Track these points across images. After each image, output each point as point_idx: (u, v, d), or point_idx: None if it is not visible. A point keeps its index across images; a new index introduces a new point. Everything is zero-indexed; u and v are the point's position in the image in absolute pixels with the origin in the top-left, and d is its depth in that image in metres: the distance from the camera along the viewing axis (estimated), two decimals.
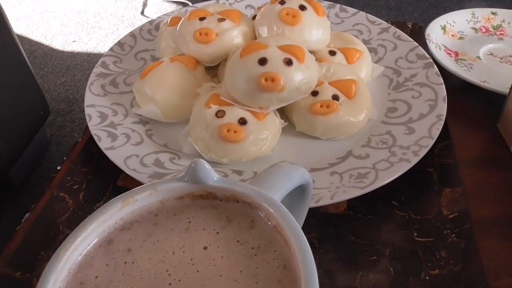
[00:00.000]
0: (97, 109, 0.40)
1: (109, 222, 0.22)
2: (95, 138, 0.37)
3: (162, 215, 0.23)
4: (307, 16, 0.40)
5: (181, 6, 1.62)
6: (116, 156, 0.35)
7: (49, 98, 1.28)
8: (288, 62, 0.35)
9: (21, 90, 1.00)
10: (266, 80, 0.35)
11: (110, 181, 0.37)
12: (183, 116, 0.39)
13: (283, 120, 0.38)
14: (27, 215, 0.35)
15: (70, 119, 1.22)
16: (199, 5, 0.51)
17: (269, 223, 0.22)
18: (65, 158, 0.40)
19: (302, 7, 0.41)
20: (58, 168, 0.39)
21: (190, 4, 1.58)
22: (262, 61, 0.35)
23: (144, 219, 0.23)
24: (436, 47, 0.52)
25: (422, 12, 1.82)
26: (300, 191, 0.28)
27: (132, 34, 0.49)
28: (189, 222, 0.22)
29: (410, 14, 1.82)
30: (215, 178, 0.22)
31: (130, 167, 0.34)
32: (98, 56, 1.45)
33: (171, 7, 1.64)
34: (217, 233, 0.22)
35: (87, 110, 0.39)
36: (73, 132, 1.19)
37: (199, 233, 0.22)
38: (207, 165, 0.22)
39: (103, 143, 0.36)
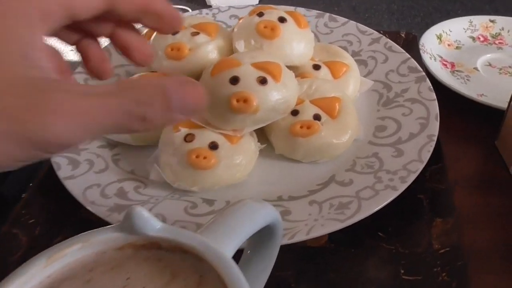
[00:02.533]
0: None
1: (32, 283, 0.19)
2: (54, 166, 0.34)
3: (97, 270, 0.20)
4: (287, 28, 0.37)
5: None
6: (75, 187, 0.32)
7: None
8: (262, 81, 0.32)
9: None
10: (238, 100, 0.32)
11: (72, 212, 0.34)
12: (153, 139, 0.36)
13: (259, 143, 0.35)
14: None
15: None
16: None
17: (219, 280, 0.19)
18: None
19: (282, 19, 0.38)
20: (23, 196, 0.36)
21: (190, 10, 1.55)
22: (234, 80, 0.32)
23: (77, 276, 0.19)
24: (431, 58, 0.49)
25: (425, 16, 1.79)
26: (269, 230, 0.24)
27: (106, 49, 0.47)
28: (128, 278, 0.19)
29: (412, 18, 1.79)
30: (158, 227, 0.19)
31: (89, 199, 0.31)
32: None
33: None
34: None
35: None
36: None
37: None
38: (145, 213, 0.19)
39: (63, 172, 0.33)
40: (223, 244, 0.20)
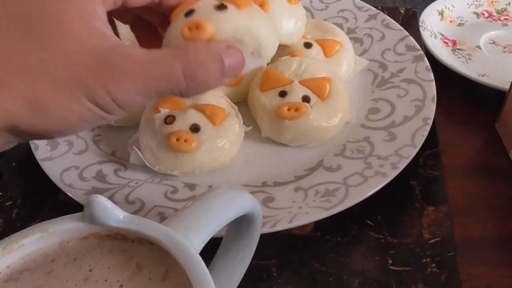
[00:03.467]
0: None
1: None
2: (32, 146, 0.33)
3: (60, 261, 0.19)
4: (276, 4, 0.35)
5: None
6: (53, 168, 0.31)
7: None
8: (220, 7, 0.25)
9: None
10: (190, 29, 0.24)
11: (51, 194, 0.33)
12: (135, 119, 0.34)
13: (245, 125, 0.33)
14: None
15: None
16: None
17: (186, 274, 0.18)
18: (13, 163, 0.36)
19: None
20: (5, 175, 0.35)
21: None
22: (189, 13, 0.25)
23: (38, 266, 0.18)
24: (431, 35, 0.46)
25: None
26: (247, 219, 0.23)
27: None
28: (90, 270, 0.18)
29: None
30: (121, 217, 0.18)
31: (65, 182, 0.30)
32: None
33: None
34: (121, 286, 0.18)
35: None
36: None
37: (99, 286, 0.18)
38: (107, 203, 0.18)
39: (40, 153, 0.32)
40: (190, 235, 0.18)
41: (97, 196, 0.17)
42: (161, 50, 0.21)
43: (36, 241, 0.18)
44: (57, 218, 0.19)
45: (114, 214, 0.18)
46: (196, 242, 0.18)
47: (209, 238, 0.19)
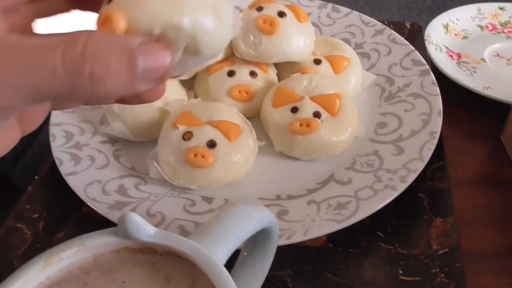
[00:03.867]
0: (63, 128, 0.37)
1: (32, 284, 0.19)
2: (57, 161, 0.34)
3: (94, 273, 0.20)
4: (286, 23, 0.37)
5: None
6: (77, 183, 0.33)
7: None
8: None
9: None
10: (102, 24, 0.17)
11: (75, 208, 0.34)
12: (154, 135, 0.36)
13: (258, 141, 0.35)
14: None
15: None
16: None
17: (212, 285, 0.19)
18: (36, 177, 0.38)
19: (281, 14, 0.37)
20: (29, 188, 0.37)
21: None
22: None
23: (74, 278, 0.20)
24: (436, 49, 0.48)
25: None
26: (265, 232, 0.25)
27: None
28: (123, 282, 0.20)
29: (423, 1, 1.74)
30: (152, 232, 0.20)
31: (89, 196, 0.32)
32: None
33: None
34: None
35: (52, 130, 0.37)
36: None
37: None
38: (139, 219, 0.19)
39: (65, 168, 0.34)
40: (215, 249, 0.20)
41: (130, 213, 0.19)
42: (48, 37, 0.16)
43: (72, 254, 0.20)
44: (91, 233, 0.20)
45: (145, 230, 0.19)
46: (220, 255, 0.20)
47: (232, 252, 0.21)
